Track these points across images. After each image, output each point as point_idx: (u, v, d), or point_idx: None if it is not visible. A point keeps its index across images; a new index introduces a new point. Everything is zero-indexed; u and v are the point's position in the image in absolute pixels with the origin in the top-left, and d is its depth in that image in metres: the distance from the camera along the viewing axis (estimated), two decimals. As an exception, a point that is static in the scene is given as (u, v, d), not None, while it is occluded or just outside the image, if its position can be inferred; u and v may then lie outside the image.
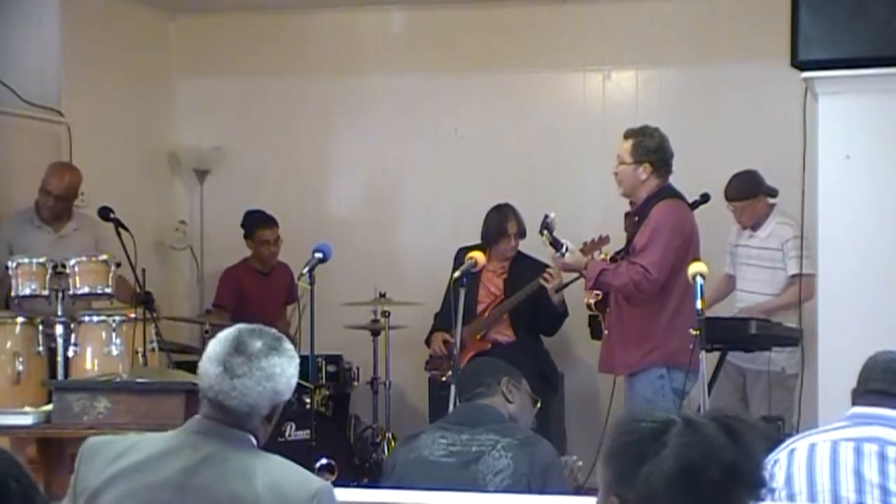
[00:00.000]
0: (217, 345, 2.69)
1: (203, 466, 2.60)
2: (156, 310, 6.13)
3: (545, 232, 5.43)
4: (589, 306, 5.79)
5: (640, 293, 5.39)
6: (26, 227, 6.50)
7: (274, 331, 2.76)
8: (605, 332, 5.66)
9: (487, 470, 3.85)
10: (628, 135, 5.55)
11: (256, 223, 7.53)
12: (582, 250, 5.70)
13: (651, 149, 5.48)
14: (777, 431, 4.90)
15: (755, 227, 6.51)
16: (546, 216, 5.44)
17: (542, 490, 3.79)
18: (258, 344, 2.67)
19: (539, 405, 4.35)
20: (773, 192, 6.46)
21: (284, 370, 2.69)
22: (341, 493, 2.78)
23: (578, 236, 5.95)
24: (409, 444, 4.05)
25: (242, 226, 7.58)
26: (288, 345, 2.74)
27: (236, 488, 2.57)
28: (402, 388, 7.66)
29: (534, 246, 6.49)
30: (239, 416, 2.65)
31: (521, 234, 6.85)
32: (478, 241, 6.80)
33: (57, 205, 6.49)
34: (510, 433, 3.93)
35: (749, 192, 6.44)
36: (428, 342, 7.06)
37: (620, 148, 5.54)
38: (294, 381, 2.72)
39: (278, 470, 2.63)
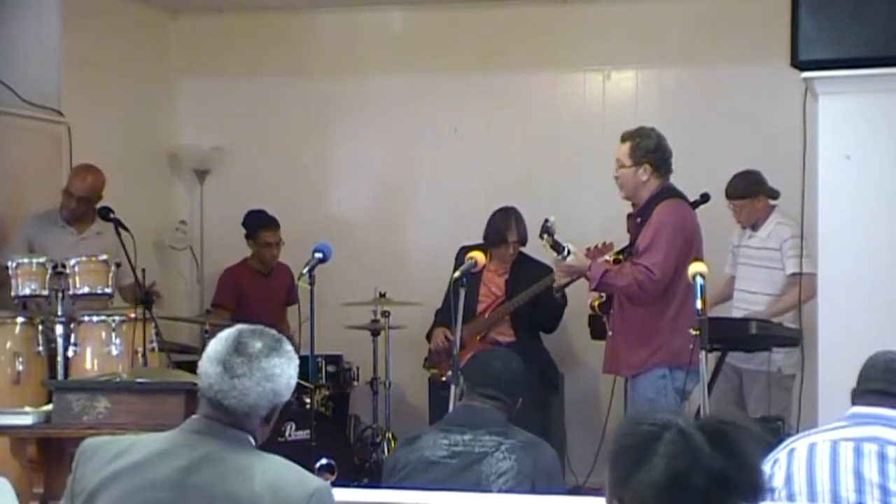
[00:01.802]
0: (217, 344, 2.68)
1: (201, 466, 2.59)
2: (156, 293, 6.16)
3: (545, 236, 5.41)
4: (592, 307, 5.78)
5: (643, 294, 5.37)
6: (49, 227, 6.52)
7: (274, 332, 2.74)
8: (610, 333, 5.65)
9: (490, 471, 3.84)
10: (625, 137, 5.52)
11: (259, 225, 7.51)
12: (585, 255, 5.69)
13: (649, 149, 5.46)
14: (776, 431, 4.89)
15: (755, 227, 6.51)
16: (546, 220, 5.41)
17: (546, 493, 3.78)
18: (258, 344, 2.66)
19: None
20: (774, 194, 6.46)
21: (284, 371, 2.67)
22: (341, 494, 2.78)
23: (578, 236, 5.93)
24: (410, 444, 4.03)
25: (244, 225, 7.57)
26: (288, 346, 2.72)
27: (234, 487, 2.56)
28: (402, 388, 7.66)
29: (536, 247, 6.48)
30: (238, 416, 2.64)
31: (522, 241, 6.82)
32: (479, 240, 6.80)
33: (79, 206, 6.50)
34: (513, 435, 3.93)
35: (748, 191, 6.44)
36: (429, 338, 7.05)
37: (619, 152, 5.50)
38: (293, 382, 2.70)
39: (276, 469, 2.62)
